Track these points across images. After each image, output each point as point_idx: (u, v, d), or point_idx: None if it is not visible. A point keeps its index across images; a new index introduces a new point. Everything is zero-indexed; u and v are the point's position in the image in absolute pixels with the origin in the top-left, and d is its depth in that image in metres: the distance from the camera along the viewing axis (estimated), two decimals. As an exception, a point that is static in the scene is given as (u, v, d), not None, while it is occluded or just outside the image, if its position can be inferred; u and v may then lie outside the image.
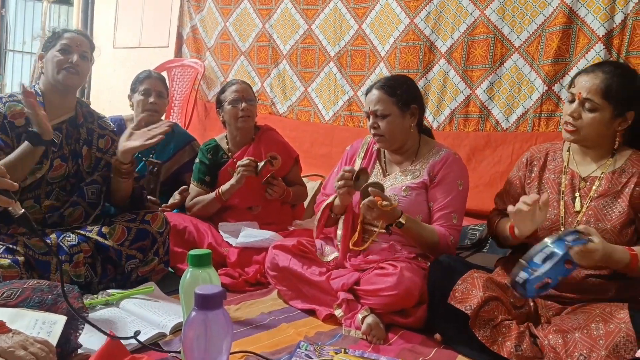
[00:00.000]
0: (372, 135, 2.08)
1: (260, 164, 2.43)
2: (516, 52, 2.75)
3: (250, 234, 2.40)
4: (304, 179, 3.12)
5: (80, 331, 1.44)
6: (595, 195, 1.74)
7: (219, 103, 2.62)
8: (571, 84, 1.78)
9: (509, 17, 2.77)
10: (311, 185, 3.14)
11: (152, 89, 2.74)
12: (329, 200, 2.06)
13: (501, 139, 2.81)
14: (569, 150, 1.86)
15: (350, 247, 2.00)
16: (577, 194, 1.77)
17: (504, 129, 2.81)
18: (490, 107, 2.86)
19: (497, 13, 2.80)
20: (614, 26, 2.42)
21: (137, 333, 1.49)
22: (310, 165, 3.41)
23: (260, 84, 4.06)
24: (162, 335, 1.67)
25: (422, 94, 3.07)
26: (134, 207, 2.17)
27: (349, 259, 2.02)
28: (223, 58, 4.33)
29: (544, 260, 1.54)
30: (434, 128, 3.07)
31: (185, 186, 2.68)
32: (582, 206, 1.75)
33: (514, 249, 1.95)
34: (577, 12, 2.53)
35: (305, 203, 2.90)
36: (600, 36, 2.45)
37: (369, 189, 1.85)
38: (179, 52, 4.71)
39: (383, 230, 1.97)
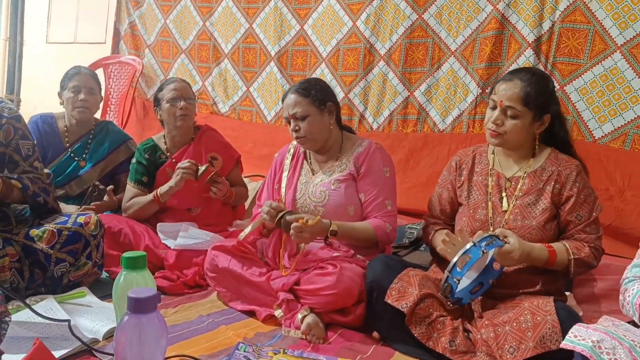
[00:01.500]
0: (295, 138, 2.12)
1: (202, 169, 2.38)
2: (452, 56, 2.84)
3: (189, 236, 2.36)
4: (245, 179, 3.09)
5: (2, 337, 1.37)
6: (520, 194, 1.83)
7: (157, 101, 2.56)
8: (492, 91, 1.86)
9: (445, 21, 2.85)
10: (253, 186, 3.11)
11: (82, 86, 2.65)
12: (257, 223, 2.09)
13: (438, 140, 2.88)
14: (493, 152, 1.95)
15: (288, 266, 2.02)
16: (503, 194, 1.86)
17: (441, 130, 2.89)
18: (427, 108, 2.93)
19: (434, 17, 2.87)
20: (543, 33, 2.54)
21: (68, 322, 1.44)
22: (252, 166, 3.39)
23: (201, 82, 4.00)
24: (94, 340, 1.62)
25: (363, 95, 3.14)
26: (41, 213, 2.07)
27: (289, 259, 2.02)
28: (163, 56, 4.23)
29: (463, 267, 1.61)
30: (374, 129, 3.12)
31: (112, 186, 2.59)
32: (508, 205, 1.84)
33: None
34: (508, 19, 2.63)
35: (247, 204, 2.88)
36: (530, 42, 2.56)
37: (286, 217, 1.91)
38: (116, 49, 4.56)
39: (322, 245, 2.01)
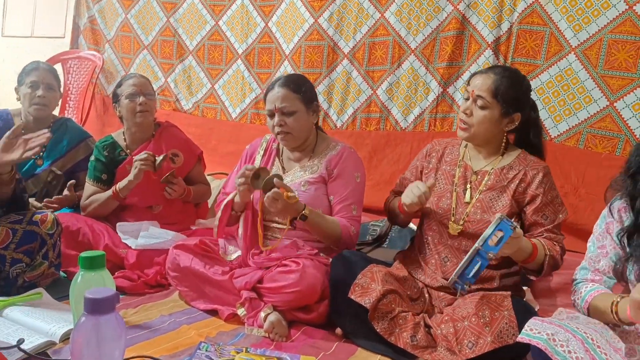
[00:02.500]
0: (276, 133, 2.08)
1: (159, 158, 2.35)
2: (412, 54, 2.87)
3: (150, 235, 2.32)
4: (209, 177, 3.07)
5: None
6: (484, 188, 1.87)
7: (115, 97, 2.51)
8: (468, 83, 1.90)
9: (406, 19, 2.88)
10: (216, 184, 3.09)
11: (40, 81, 2.57)
12: (229, 197, 2.05)
13: (400, 138, 2.92)
14: (465, 146, 1.98)
15: (262, 248, 1.99)
16: (468, 186, 1.89)
17: (403, 128, 2.93)
18: (390, 107, 2.96)
19: (395, 15, 2.90)
20: (502, 34, 2.60)
21: (20, 341, 1.40)
22: (216, 164, 3.37)
23: (164, 79, 3.94)
24: (51, 343, 1.58)
25: (327, 93, 3.15)
26: (14, 208, 2.01)
27: (252, 257, 2.02)
28: (124, 51, 4.15)
29: (498, 243, 1.57)
30: (338, 127, 3.13)
31: (73, 181, 2.53)
32: (471, 198, 1.87)
33: (411, 243, 2.05)
34: (469, 19, 2.68)
35: (210, 202, 2.85)
36: (490, 42, 2.62)
37: (274, 180, 1.85)
38: (75, 44, 4.45)
39: (289, 227, 1.98)
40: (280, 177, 1.90)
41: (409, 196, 1.79)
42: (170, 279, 2.08)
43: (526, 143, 1.93)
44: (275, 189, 1.83)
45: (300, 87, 2.08)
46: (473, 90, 1.83)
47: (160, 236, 2.32)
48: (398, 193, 2.07)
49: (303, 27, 3.23)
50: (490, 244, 1.57)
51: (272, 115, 2.08)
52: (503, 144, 1.89)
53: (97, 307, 1.05)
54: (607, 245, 1.57)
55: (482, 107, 1.81)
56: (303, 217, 1.92)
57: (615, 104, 2.32)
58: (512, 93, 1.81)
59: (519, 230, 1.61)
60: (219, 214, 2.06)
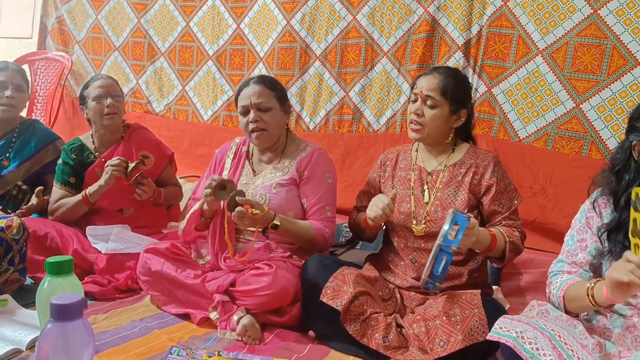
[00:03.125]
0: (250, 130, 2.06)
1: (132, 165, 2.32)
2: (385, 57, 2.89)
3: (121, 239, 2.29)
4: (181, 179, 3.04)
5: None
6: (441, 186, 1.91)
7: (82, 99, 2.46)
8: (413, 86, 1.96)
9: (378, 22, 2.90)
10: (189, 187, 3.06)
11: (8, 82, 2.52)
12: (196, 207, 2.04)
13: (373, 139, 2.94)
14: (417, 150, 2.03)
15: (232, 259, 1.98)
16: (425, 187, 1.93)
17: (375, 130, 2.94)
18: (362, 109, 2.98)
19: (367, 18, 2.91)
20: (471, 36, 2.63)
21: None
22: (189, 166, 3.33)
23: (135, 81, 3.89)
24: (17, 351, 1.55)
25: (299, 95, 3.16)
26: None
27: (224, 260, 2.00)
28: (94, 52, 4.08)
29: (456, 236, 1.60)
30: (311, 129, 3.14)
31: (41, 187, 2.48)
32: (430, 197, 1.90)
33: (383, 245, 2.06)
34: (439, 22, 2.71)
35: (182, 204, 2.82)
36: (460, 45, 2.65)
37: (236, 198, 1.86)
38: (42, 44, 4.35)
39: (258, 230, 1.97)
40: (242, 194, 1.92)
41: (373, 210, 1.81)
42: (142, 284, 2.06)
43: (467, 135, 2.01)
44: (239, 208, 1.85)
45: (276, 85, 2.12)
46: (422, 91, 1.89)
47: (131, 240, 2.29)
48: (359, 209, 2.10)
49: (277, 29, 3.22)
50: (450, 238, 1.60)
51: (246, 113, 2.07)
52: (450, 139, 1.95)
53: (63, 313, 1.03)
54: (588, 239, 1.60)
55: (432, 106, 1.87)
56: (274, 226, 1.94)
57: (581, 106, 2.38)
58: (459, 91, 1.89)
59: (473, 220, 1.64)
60: (186, 217, 2.05)
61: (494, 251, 1.78)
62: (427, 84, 1.89)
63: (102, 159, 2.45)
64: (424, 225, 1.88)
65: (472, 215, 1.66)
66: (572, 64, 2.39)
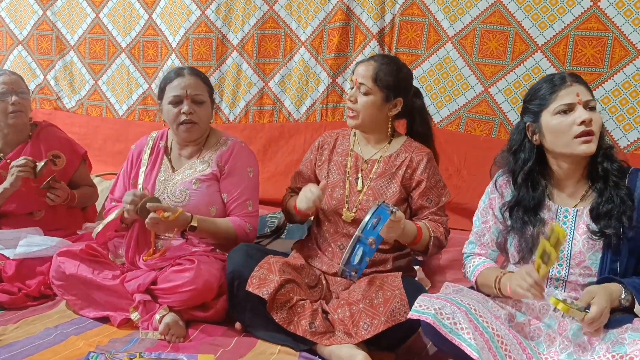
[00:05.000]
0: (181, 122, 2.01)
1: (40, 164, 2.19)
2: (303, 47, 2.90)
3: (31, 243, 2.17)
4: (97, 178, 2.92)
5: None
6: (375, 176, 1.93)
7: (-17, 98, 2.30)
8: (352, 73, 1.98)
9: (295, 12, 2.90)
10: (106, 185, 2.94)
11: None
12: (115, 214, 1.99)
13: (294, 129, 2.95)
14: (355, 135, 2.04)
15: (144, 259, 1.94)
16: (359, 175, 1.95)
17: (296, 119, 2.95)
18: (282, 99, 2.98)
19: (284, 8, 2.92)
20: (385, 25, 2.69)
21: None
22: (105, 164, 3.22)
23: (42, 76, 3.69)
24: None
25: (217, 87, 3.11)
26: None
27: (142, 259, 1.94)
28: (-6, 47, 3.82)
29: (376, 227, 1.63)
30: (231, 120, 3.10)
31: None
32: (363, 186, 1.93)
33: (312, 230, 2.07)
34: (353, 10, 2.75)
35: (99, 204, 2.70)
36: (374, 33, 2.70)
37: (147, 205, 1.83)
38: None
39: (174, 236, 1.96)
40: (155, 200, 1.88)
41: (303, 201, 1.82)
42: (56, 289, 1.96)
43: (414, 131, 2.04)
44: (151, 215, 1.82)
45: (208, 80, 2.12)
46: (356, 79, 1.91)
47: (42, 243, 2.17)
48: (294, 189, 2.10)
49: (190, 19, 3.15)
50: (370, 229, 1.63)
51: (178, 103, 2.01)
52: (389, 131, 1.97)
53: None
54: (490, 220, 1.70)
55: (365, 94, 1.90)
56: (192, 227, 1.91)
57: (489, 90, 2.49)
58: (391, 78, 1.90)
59: (399, 213, 1.67)
60: (103, 222, 1.99)
61: (419, 244, 1.83)
62: (362, 71, 1.91)
63: (7, 160, 2.30)
64: (355, 213, 1.90)
65: (398, 209, 1.69)
66: (480, 49, 2.50)
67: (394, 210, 1.65)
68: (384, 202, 1.68)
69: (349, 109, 1.94)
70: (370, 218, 1.63)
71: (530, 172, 1.60)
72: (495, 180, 1.70)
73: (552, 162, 1.60)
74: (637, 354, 1.27)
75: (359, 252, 1.65)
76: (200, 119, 2.02)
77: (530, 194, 1.59)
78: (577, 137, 1.49)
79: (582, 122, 1.48)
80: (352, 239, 1.65)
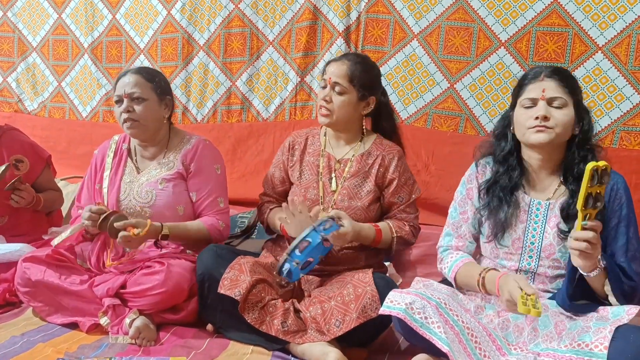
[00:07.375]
0: (123, 120, 1.99)
1: (1, 168, 2.14)
2: (271, 46, 2.90)
3: (-7, 250, 2.11)
4: (62, 182, 2.87)
5: None
6: (348, 175, 1.94)
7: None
8: (323, 72, 1.98)
9: (262, 11, 2.89)
10: (72, 188, 2.88)
11: None
12: (72, 230, 1.96)
13: (263, 128, 2.94)
14: (325, 134, 2.04)
15: (107, 264, 1.92)
16: (333, 175, 1.96)
17: (265, 118, 2.95)
18: (250, 98, 2.97)
19: (250, 7, 2.90)
20: (351, 22, 2.71)
21: None
22: (69, 167, 3.16)
23: (2, 78, 3.59)
24: None
25: (184, 87, 3.09)
26: None
27: (109, 262, 1.92)
28: (-51, 50, 3.70)
29: (303, 251, 1.68)
30: (199, 121, 3.08)
31: None
32: (337, 186, 1.94)
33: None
34: (320, 9, 2.76)
35: (64, 208, 2.65)
36: (341, 31, 2.71)
37: (114, 224, 1.80)
38: None
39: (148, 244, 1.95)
40: (121, 217, 1.85)
41: (293, 229, 1.80)
42: (21, 296, 1.92)
43: (381, 127, 2.05)
44: (122, 234, 1.79)
45: (154, 77, 2.04)
46: (330, 78, 1.91)
47: (5, 249, 2.11)
48: (268, 195, 2.10)
49: (157, 20, 3.12)
50: (297, 253, 1.69)
51: (119, 102, 1.99)
52: (362, 129, 1.99)
53: None
54: (469, 210, 1.72)
55: (340, 93, 1.90)
56: (164, 236, 1.90)
57: (455, 86, 2.53)
58: (366, 77, 1.92)
59: (344, 228, 1.72)
60: (66, 233, 1.95)
61: (380, 244, 1.88)
62: (336, 70, 1.90)
63: (-33, 166, 2.23)
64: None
65: (342, 225, 1.72)
66: (445, 46, 2.53)
67: (326, 237, 1.69)
68: (315, 226, 1.70)
69: (322, 107, 1.92)
70: (297, 243, 1.69)
71: (508, 157, 1.65)
72: (472, 173, 1.73)
73: (524, 151, 1.64)
74: (601, 342, 1.31)
75: (286, 267, 1.71)
76: (140, 116, 1.98)
77: (508, 174, 1.63)
78: (530, 128, 1.54)
79: (537, 118, 1.52)
80: (283, 257, 1.71)
